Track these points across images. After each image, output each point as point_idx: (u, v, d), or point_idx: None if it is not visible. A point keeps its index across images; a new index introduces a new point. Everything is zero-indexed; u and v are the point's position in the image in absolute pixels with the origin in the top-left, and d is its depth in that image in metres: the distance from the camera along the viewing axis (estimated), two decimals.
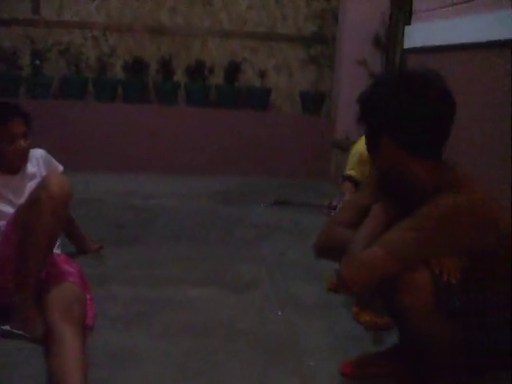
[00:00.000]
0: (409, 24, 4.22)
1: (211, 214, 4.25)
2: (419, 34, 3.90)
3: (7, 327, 2.25)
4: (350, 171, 2.78)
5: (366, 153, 2.00)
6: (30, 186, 2.54)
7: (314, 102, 5.78)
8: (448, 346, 1.90)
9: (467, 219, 1.77)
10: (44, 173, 2.68)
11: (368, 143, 1.94)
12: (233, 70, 5.73)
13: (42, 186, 2.31)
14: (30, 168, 2.67)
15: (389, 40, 5.05)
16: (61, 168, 2.84)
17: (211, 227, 3.93)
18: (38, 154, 2.75)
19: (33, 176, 2.65)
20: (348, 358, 2.23)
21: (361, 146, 2.56)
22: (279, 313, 2.66)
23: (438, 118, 1.83)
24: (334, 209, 2.67)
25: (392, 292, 1.85)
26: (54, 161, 2.84)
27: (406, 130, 1.81)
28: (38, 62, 5.49)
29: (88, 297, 2.42)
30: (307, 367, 2.22)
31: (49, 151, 2.84)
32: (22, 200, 2.42)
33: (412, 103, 1.80)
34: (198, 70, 5.70)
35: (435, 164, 1.88)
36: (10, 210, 2.47)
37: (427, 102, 1.80)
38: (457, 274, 1.83)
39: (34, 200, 2.28)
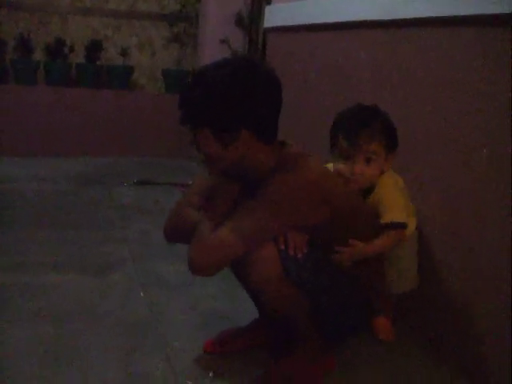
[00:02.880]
0: (269, 3, 4.27)
1: (72, 197, 4.11)
2: (279, 14, 3.95)
3: None
4: None
5: None
6: None
7: (177, 80, 5.72)
8: (302, 313, 1.97)
9: (301, 194, 1.82)
10: None
11: (203, 140, 1.87)
12: (94, 48, 5.56)
13: None
14: None
15: (251, 19, 5.07)
16: None
17: (72, 210, 3.81)
18: None
19: None
20: (212, 336, 2.24)
21: None
22: (142, 294, 2.63)
23: (273, 102, 1.86)
24: None
25: (244, 269, 1.89)
26: None
27: (255, 118, 1.83)
28: None
29: None
30: (172, 347, 2.21)
31: None
32: None
33: (247, 91, 1.80)
34: (57, 49, 5.48)
35: (272, 146, 1.91)
36: None
37: (259, 86, 1.82)
38: (303, 248, 1.89)
39: None
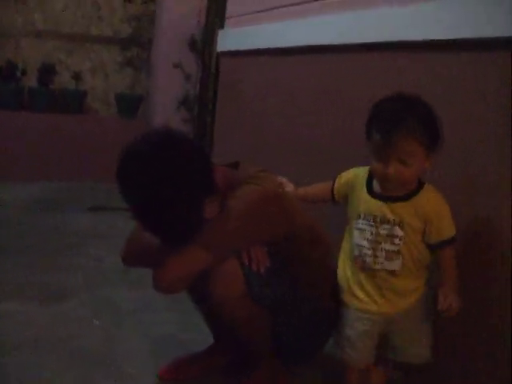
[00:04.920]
0: (222, 28, 4.30)
1: (26, 223, 4.03)
2: (231, 38, 4.00)
3: None
4: None
5: None
6: None
7: (130, 104, 5.70)
8: (263, 332, 1.97)
9: (263, 209, 1.84)
10: None
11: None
12: (47, 71, 5.51)
13: None
14: None
15: (204, 43, 5.10)
16: None
17: (26, 236, 3.73)
18: None
19: None
20: (167, 362, 2.23)
21: None
22: (95, 321, 2.59)
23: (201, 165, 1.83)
24: None
25: (203, 287, 1.87)
26: None
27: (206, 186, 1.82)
28: None
29: None
30: (126, 375, 2.18)
31: None
32: None
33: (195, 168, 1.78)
34: (10, 72, 5.41)
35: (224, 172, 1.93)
36: None
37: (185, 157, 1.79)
38: (265, 263, 1.90)
39: None
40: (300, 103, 3.08)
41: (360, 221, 1.87)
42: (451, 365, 1.98)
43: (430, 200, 1.81)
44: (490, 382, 1.83)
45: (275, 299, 1.92)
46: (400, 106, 1.77)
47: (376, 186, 1.87)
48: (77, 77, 5.65)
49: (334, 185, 2.02)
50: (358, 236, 1.87)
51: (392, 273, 1.84)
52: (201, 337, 2.41)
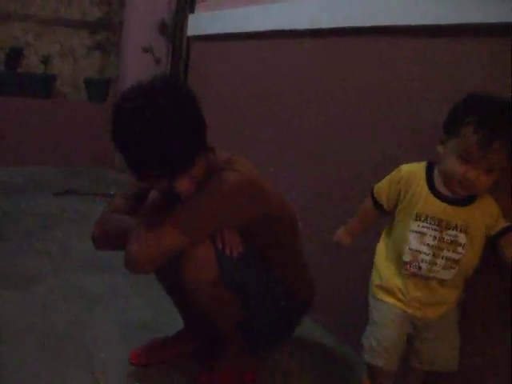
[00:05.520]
0: (193, 12, 4.27)
1: None
2: (202, 22, 3.97)
3: None
4: None
5: None
6: None
7: (100, 88, 5.64)
8: (234, 317, 1.98)
9: (239, 191, 1.82)
10: None
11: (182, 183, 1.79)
12: (14, 55, 5.42)
13: None
14: None
15: (174, 27, 5.05)
16: None
17: None
18: None
19: None
20: (138, 347, 2.23)
21: None
22: (64, 306, 2.57)
23: (197, 116, 1.79)
24: None
25: (175, 271, 1.86)
26: None
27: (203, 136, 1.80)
28: None
29: None
30: (96, 360, 2.17)
31: None
32: None
33: (190, 115, 1.74)
34: None
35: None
36: None
37: (192, 104, 1.77)
38: (238, 248, 1.88)
39: None
40: (270, 88, 3.07)
41: (420, 223, 1.72)
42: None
43: (489, 199, 1.70)
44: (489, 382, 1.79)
45: (247, 284, 1.92)
46: (501, 108, 1.58)
47: (439, 185, 1.72)
48: (45, 61, 5.57)
49: (375, 197, 1.85)
50: (416, 240, 1.72)
51: (441, 281, 1.74)
52: (171, 321, 2.41)
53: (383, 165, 2.00)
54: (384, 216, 1.87)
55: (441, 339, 1.82)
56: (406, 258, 1.74)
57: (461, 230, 1.68)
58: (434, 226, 1.69)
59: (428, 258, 1.71)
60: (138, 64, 5.13)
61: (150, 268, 1.82)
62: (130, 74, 5.27)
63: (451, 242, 1.69)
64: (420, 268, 1.72)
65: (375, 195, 1.85)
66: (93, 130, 5.44)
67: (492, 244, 1.71)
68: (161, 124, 1.65)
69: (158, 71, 5.13)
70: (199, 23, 4.03)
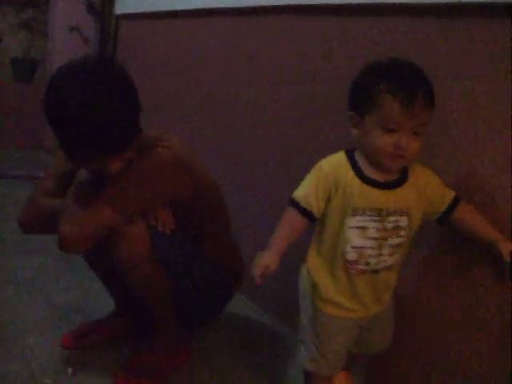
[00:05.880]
0: None
1: None
2: (130, 1, 3.91)
3: None
4: None
5: None
6: None
7: (27, 68, 5.50)
8: (165, 294, 2.00)
9: (168, 168, 1.83)
10: None
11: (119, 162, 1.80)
12: None
13: None
14: None
15: (103, 6, 4.95)
16: None
17: None
18: None
19: None
20: (69, 330, 2.21)
21: None
22: None
23: (134, 97, 1.79)
24: None
25: (106, 250, 1.87)
26: None
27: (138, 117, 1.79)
28: None
29: None
30: (27, 344, 2.14)
31: None
32: None
33: (128, 96, 1.75)
34: None
35: None
36: None
37: (130, 85, 1.78)
38: (171, 224, 1.91)
39: None
40: (201, 67, 3.06)
41: (358, 217, 1.54)
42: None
43: (423, 171, 1.61)
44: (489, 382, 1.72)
45: (179, 260, 1.95)
46: (415, 70, 1.49)
47: (368, 171, 1.55)
48: None
49: (301, 205, 1.57)
50: (357, 236, 1.56)
51: (390, 268, 1.63)
52: (102, 303, 2.40)
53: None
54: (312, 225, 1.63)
55: (387, 326, 1.78)
56: (351, 257, 1.58)
57: (401, 214, 1.56)
58: (375, 218, 1.54)
59: (374, 252, 1.57)
60: (66, 44, 5.02)
61: (83, 247, 1.82)
62: (58, 53, 5.17)
63: (394, 228, 1.56)
64: (368, 264, 1.58)
65: (302, 204, 1.57)
66: (21, 111, 5.32)
67: (445, 219, 1.63)
68: (101, 104, 1.63)
69: (87, 51, 5.04)
70: (127, 2, 3.97)
